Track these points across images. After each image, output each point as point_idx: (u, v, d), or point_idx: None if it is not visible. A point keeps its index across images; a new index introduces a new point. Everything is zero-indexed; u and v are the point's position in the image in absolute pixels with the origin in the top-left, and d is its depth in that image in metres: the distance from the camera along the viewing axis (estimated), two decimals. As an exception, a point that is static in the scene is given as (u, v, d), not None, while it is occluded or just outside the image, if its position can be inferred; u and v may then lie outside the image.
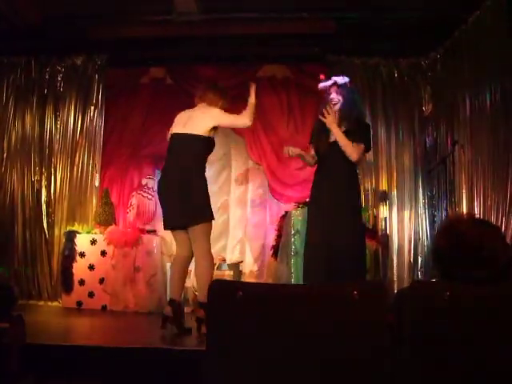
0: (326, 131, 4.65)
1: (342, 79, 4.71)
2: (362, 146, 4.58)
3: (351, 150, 4.50)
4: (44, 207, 7.46)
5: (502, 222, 5.37)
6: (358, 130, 4.58)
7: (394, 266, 7.17)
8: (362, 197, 6.41)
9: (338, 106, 4.62)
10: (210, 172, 7.88)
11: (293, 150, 4.81)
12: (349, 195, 4.57)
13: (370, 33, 6.73)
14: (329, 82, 4.75)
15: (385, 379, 1.82)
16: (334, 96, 4.64)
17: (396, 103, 7.52)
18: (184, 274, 4.92)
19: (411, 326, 1.87)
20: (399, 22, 6.50)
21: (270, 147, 7.80)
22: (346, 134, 4.54)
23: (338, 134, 4.53)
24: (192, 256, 4.82)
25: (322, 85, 4.82)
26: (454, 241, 2.00)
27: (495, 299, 1.87)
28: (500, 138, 5.55)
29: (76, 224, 7.30)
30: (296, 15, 6.63)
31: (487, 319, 1.84)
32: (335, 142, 4.58)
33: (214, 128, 4.90)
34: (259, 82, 7.82)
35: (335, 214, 4.46)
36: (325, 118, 4.56)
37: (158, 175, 7.87)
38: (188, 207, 4.67)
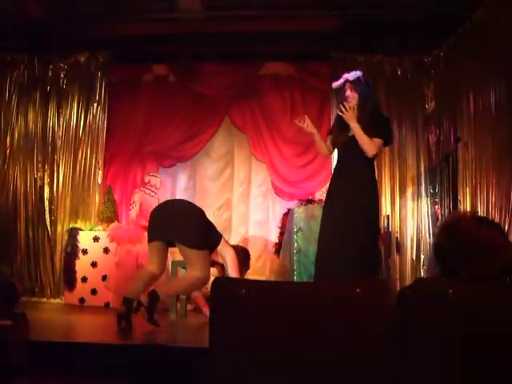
0: (345, 126, 4.65)
1: (353, 75, 4.69)
2: (380, 140, 4.57)
3: (368, 147, 4.49)
4: (47, 204, 7.46)
5: (505, 220, 5.35)
6: (374, 124, 4.55)
7: (397, 263, 7.16)
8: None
9: (353, 102, 4.61)
10: (212, 169, 7.92)
11: (309, 123, 4.75)
12: (363, 194, 4.56)
13: (374, 30, 6.72)
14: (341, 80, 4.74)
15: (387, 377, 1.82)
16: (349, 93, 4.64)
17: (399, 100, 7.50)
18: None
19: (414, 323, 1.87)
20: (402, 20, 6.50)
21: (273, 145, 7.80)
22: (364, 129, 4.53)
23: (356, 130, 4.52)
24: None
25: (335, 84, 4.81)
26: (455, 238, 2.00)
27: (497, 297, 1.87)
28: (504, 135, 5.53)
29: (79, 221, 7.32)
30: (299, 12, 6.62)
31: (490, 316, 1.84)
32: (353, 137, 4.58)
33: None
34: (262, 80, 7.87)
35: (347, 212, 4.48)
36: (343, 113, 4.55)
37: (161, 172, 7.89)
38: None
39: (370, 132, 4.50)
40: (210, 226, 4.85)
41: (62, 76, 7.72)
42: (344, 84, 4.71)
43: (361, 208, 4.48)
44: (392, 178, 7.36)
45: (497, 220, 5.27)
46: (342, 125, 4.69)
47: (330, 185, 4.81)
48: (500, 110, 5.63)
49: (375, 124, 4.56)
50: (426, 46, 7.30)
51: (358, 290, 1.78)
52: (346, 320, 1.81)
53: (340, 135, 4.72)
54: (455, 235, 2.01)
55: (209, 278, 4.64)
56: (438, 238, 2.11)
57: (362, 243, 4.38)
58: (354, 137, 4.56)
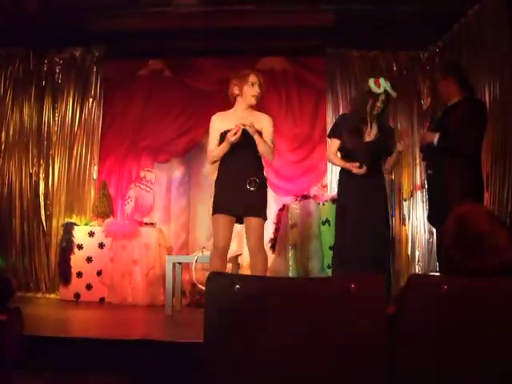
0: (359, 131, 4.69)
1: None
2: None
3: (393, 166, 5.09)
4: (42, 199, 7.46)
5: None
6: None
7: (392, 259, 7.17)
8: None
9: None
10: (208, 165, 7.91)
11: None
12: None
13: (369, 26, 6.70)
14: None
15: (383, 371, 1.82)
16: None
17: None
18: None
19: (409, 319, 1.87)
20: (398, 15, 6.48)
21: (268, 140, 7.78)
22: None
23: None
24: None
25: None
26: (464, 228, 2.00)
27: (494, 293, 1.87)
28: (499, 131, 5.54)
29: (74, 216, 7.32)
30: (295, 7, 6.61)
31: (486, 312, 1.85)
32: (371, 142, 4.74)
33: None
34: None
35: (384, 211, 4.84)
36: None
37: (156, 167, 7.88)
38: None
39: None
40: None
41: (57, 71, 7.70)
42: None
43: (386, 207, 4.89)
44: (387, 175, 7.35)
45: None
46: (356, 129, 4.72)
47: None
48: (495, 107, 5.63)
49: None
50: (422, 41, 7.31)
51: (352, 286, 1.79)
52: (341, 315, 1.81)
53: (356, 140, 4.74)
54: (465, 225, 2.01)
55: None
56: (445, 225, 2.10)
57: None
58: (371, 142, 4.67)
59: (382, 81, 4.67)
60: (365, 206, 4.66)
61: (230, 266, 6.98)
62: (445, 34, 6.92)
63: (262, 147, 4.50)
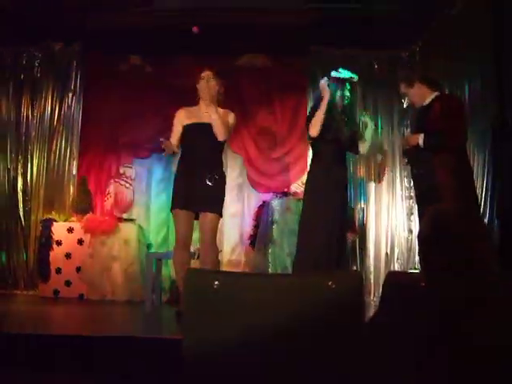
0: (336, 122, 4.75)
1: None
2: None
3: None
4: (20, 195, 7.40)
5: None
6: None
7: (371, 257, 7.22)
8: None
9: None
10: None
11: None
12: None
13: (351, 25, 6.73)
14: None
15: (361, 367, 1.84)
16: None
17: (375, 95, 7.56)
18: None
19: (387, 315, 1.89)
20: (380, 15, 6.51)
21: (248, 137, 7.79)
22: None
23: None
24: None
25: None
26: (438, 227, 2.03)
27: (471, 289, 1.89)
28: (478, 128, 5.60)
29: (53, 212, 7.26)
30: (277, 5, 6.62)
31: (463, 309, 1.87)
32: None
33: None
34: (239, 72, 7.85)
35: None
36: None
37: (136, 163, 7.84)
38: None
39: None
40: None
41: (36, 65, 7.65)
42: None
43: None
44: (367, 173, 7.40)
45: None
46: (340, 120, 4.82)
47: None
48: (475, 104, 5.69)
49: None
50: (403, 40, 7.34)
51: (330, 283, 1.80)
52: (320, 312, 1.82)
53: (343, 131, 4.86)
54: (441, 224, 2.03)
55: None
56: (424, 224, 2.13)
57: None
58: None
59: (341, 70, 4.76)
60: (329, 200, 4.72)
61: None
62: (425, 34, 6.97)
63: (218, 123, 4.65)
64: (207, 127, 4.61)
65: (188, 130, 4.77)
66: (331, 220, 4.69)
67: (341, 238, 4.79)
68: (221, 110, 4.80)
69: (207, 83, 4.76)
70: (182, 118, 4.84)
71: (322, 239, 4.65)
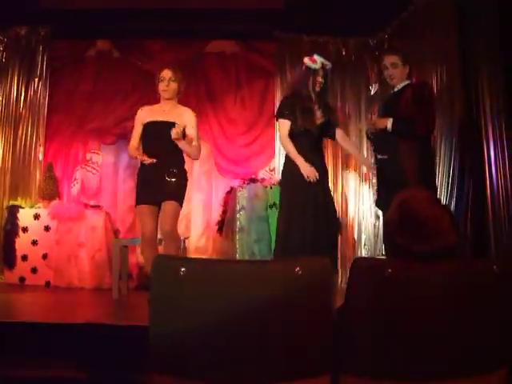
0: (311, 110, 4.69)
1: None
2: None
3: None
4: (-15, 181, 7.28)
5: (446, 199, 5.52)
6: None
7: (339, 243, 7.25)
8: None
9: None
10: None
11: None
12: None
13: (320, 10, 6.73)
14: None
15: (330, 353, 1.86)
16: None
17: (343, 82, 7.58)
18: None
19: (354, 300, 1.91)
20: (348, 1, 6.52)
21: (216, 124, 7.77)
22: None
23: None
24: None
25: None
26: (404, 212, 2.04)
27: (437, 275, 1.92)
28: (446, 119, 5.66)
29: (19, 198, 7.16)
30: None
31: (428, 296, 1.90)
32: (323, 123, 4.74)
33: None
34: (207, 57, 7.81)
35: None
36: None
37: (103, 150, 7.78)
38: None
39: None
40: None
41: (1, 49, 7.50)
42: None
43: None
44: (335, 159, 7.44)
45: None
46: (307, 109, 4.74)
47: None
48: (442, 93, 5.75)
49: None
50: (372, 27, 7.36)
51: (297, 269, 1.81)
52: (287, 298, 1.83)
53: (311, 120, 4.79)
54: (407, 209, 2.04)
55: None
56: (390, 210, 2.14)
57: None
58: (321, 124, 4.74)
59: (316, 56, 4.72)
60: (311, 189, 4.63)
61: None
62: (394, 21, 7.00)
63: (186, 150, 4.76)
64: (167, 125, 4.63)
65: (148, 127, 4.82)
66: (313, 207, 4.60)
67: (332, 220, 4.75)
68: (181, 109, 4.89)
69: (167, 86, 4.81)
70: (141, 118, 4.89)
71: (310, 226, 4.56)
